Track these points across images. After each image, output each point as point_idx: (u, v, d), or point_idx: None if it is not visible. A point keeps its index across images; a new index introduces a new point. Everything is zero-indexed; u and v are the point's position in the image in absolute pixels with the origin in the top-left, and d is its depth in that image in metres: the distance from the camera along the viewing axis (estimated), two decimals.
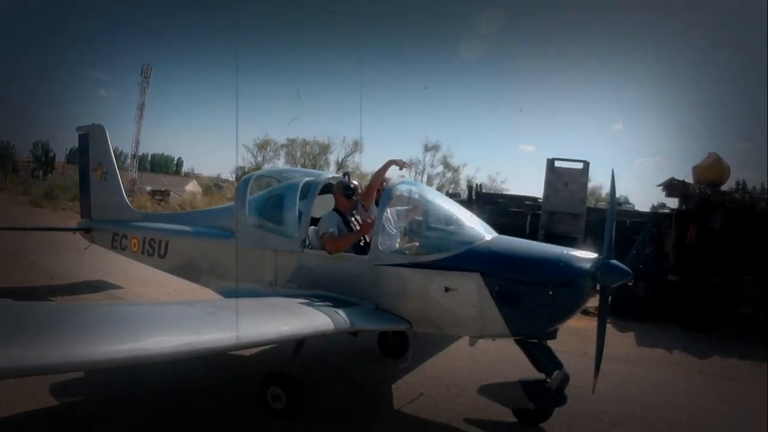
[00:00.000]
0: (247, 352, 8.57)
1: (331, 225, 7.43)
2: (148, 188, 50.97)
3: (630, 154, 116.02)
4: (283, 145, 41.65)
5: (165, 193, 46.19)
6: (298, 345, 6.73)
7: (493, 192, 28.97)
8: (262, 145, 44.12)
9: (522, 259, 6.61)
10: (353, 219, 7.79)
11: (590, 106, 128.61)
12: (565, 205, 19.03)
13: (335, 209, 7.74)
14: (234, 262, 8.04)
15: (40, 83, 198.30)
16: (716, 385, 9.67)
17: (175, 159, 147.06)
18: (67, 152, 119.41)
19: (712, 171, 17.04)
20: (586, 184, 20.28)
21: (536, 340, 6.75)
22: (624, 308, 14.92)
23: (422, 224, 7.38)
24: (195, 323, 5.36)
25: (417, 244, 7.10)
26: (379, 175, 7.82)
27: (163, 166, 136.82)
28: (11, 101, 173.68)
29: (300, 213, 7.78)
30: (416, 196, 7.81)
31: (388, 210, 7.40)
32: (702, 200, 16.42)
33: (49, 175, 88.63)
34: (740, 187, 18.85)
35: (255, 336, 5.50)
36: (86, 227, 11.66)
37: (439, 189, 43.79)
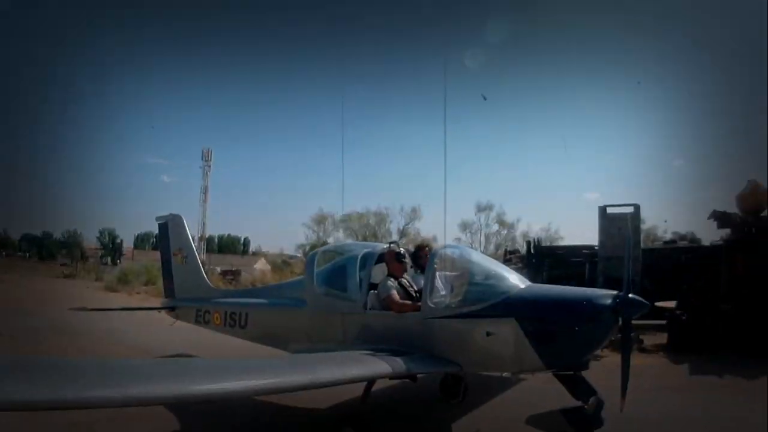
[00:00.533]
0: (322, 402, 9.85)
1: (391, 288, 8.72)
2: (218, 269, 52.95)
3: (692, 188, 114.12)
4: (341, 220, 43.24)
5: (236, 273, 48.12)
6: (367, 388, 7.93)
7: (550, 245, 29.79)
8: (320, 220, 45.81)
9: (550, 303, 7.77)
10: (405, 280, 9.07)
11: (647, 147, 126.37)
12: (621, 250, 17.89)
13: (389, 274, 9.02)
14: (307, 327, 9.42)
15: (103, 173, 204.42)
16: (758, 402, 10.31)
17: (242, 239, 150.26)
18: (135, 238, 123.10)
19: (751, 199, 17.59)
20: (638, 227, 20.74)
21: (571, 372, 7.85)
22: (680, 341, 15.78)
23: (465, 280, 8.57)
24: (276, 369, 6.76)
25: (461, 297, 8.27)
26: None
27: (231, 246, 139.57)
28: (76, 191, 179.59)
29: (361, 280, 9.08)
30: (458, 257, 9.12)
31: (436, 272, 8.66)
32: (745, 229, 17.20)
33: (119, 261, 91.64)
34: None
35: (329, 377, 6.72)
36: (171, 305, 13.03)
37: (497, 247, 44.62)
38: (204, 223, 65.66)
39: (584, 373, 7.96)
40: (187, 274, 12.99)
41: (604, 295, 7.59)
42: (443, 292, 8.51)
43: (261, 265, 73.73)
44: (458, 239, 37.10)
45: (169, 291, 13.45)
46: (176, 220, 13.61)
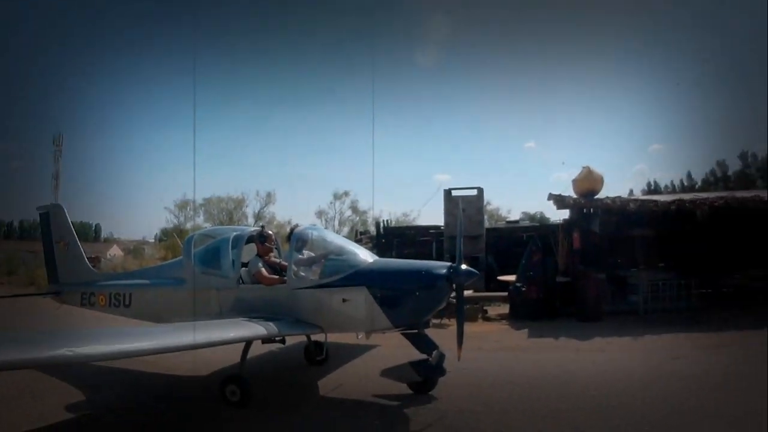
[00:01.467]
0: (202, 371, 11.35)
1: (259, 265, 10.30)
2: None
3: (545, 169, 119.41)
4: (201, 205, 44.20)
5: (96, 259, 48.23)
6: (245, 350, 9.49)
7: (399, 226, 31.96)
8: (182, 206, 46.57)
9: (394, 273, 9.56)
10: (272, 258, 10.64)
11: (498, 131, 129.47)
12: (465, 229, 20.64)
13: (257, 254, 10.59)
14: (187, 302, 10.66)
15: None
16: (587, 357, 12.57)
17: (93, 225, 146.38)
18: None
19: (585, 182, 19.80)
20: (482, 208, 23.58)
21: (415, 330, 9.64)
22: (520, 310, 17.93)
23: (323, 256, 10.20)
24: (160, 334, 8.26)
25: (320, 271, 9.92)
26: None
27: (82, 232, 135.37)
28: None
29: (233, 259, 10.60)
30: (316, 237, 10.80)
31: (295, 253, 10.27)
32: (580, 209, 19.54)
33: None
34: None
35: (209, 339, 8.24)
36: (56, 290, 13.88)
37: (351, 230, 46.57)
38: None
39: (428, 332, 9.82)
40: (70, 261, 13.92)
41: (440, 266, 9.50)
42: (305, 267, 10.12)
43: (115, 251, 73.47)
44: (314, 224, 39.00)
45: (52, 277, 14.28)
46: (57, 209, 14.44)
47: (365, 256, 10.12)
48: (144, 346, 7.24)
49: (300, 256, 10.24)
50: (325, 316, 9.70)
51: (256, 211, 44.21)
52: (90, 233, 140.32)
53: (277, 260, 10.85)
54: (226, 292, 10.43)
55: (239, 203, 44.40)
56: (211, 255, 10.99)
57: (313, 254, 10.38)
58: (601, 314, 17.36)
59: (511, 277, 18.96)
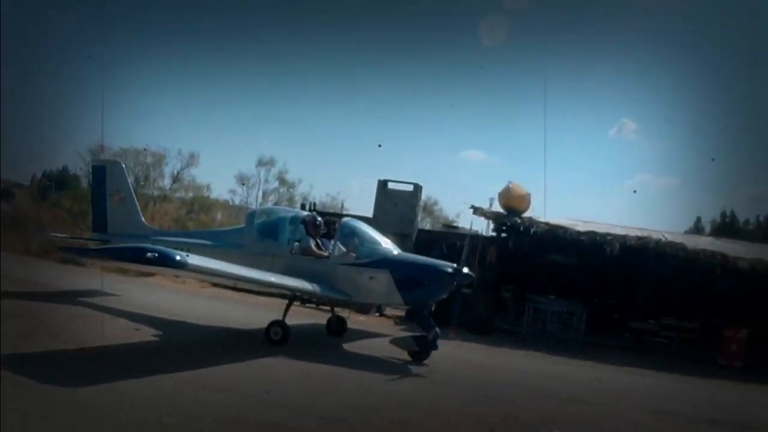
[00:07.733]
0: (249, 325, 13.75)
1: (311, 243, 12.76)
2: None
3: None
4: (117, 154, 35.86)
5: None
6: (289, 302, 12.40)
7: (324, 211, 25.66)
8: (98, 150, 37.47)
9: (414, 265, 12.55)
10: (318, 241, 12.98)
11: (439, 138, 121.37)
12: (395, 226, 18.99)
13: (308, 234, 12.92)
14: (245, 263, 12.23)
15: None
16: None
17: None
18: None
19: (503, 199, 19.23)
20: (416, 206, 21.65)
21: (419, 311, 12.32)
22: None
23: (359, 243, 12.67)
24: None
25: (354, 254, 12.43)
26: None
27: None
28: None
29: (289, 235, 13.12)
30: (356, 227, 13.38)
31: (340, 237, 12.84)
32: (503, 226, 19.59)
33: None
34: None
35: (275, 281, 11.71)
36: (106, 239, 14.82)
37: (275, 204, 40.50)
38: None
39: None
40: (124, 214, 15.54)
41: (447, 265, 12.37)
42: (344, 249, 12.66)
43: None
44: (233, 191, 37.59)
45: (99, 226, 15.75)
46: (115, 166, 16.39)
47: (391, 246, 12.92)
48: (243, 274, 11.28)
49: (343, 242, 12.81)
50: (355, 287, 12.37)
51: (176, 172, 39.14)
52: None
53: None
54: (280, 258, 12.70)
55: (159, 160, 38.31)
56: (271, 228, 13.47)
57: (355, 240, 12.79)
58: (490, 329, 17.41)
59: None
